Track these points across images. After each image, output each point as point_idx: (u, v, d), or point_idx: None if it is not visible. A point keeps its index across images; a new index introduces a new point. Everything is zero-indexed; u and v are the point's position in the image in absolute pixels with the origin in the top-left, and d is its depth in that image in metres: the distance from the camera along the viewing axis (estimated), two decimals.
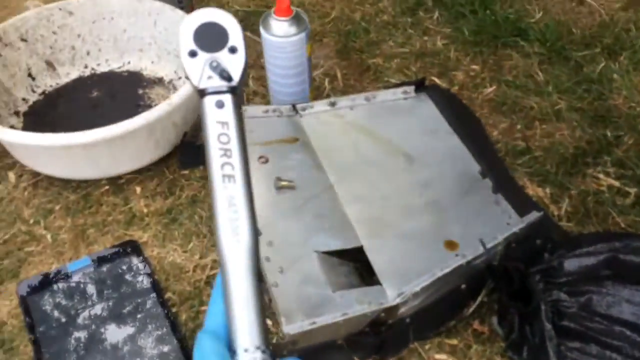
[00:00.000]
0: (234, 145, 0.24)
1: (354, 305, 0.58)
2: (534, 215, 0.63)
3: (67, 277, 0.67)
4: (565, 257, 0.57)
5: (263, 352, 0.21)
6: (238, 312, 0.21)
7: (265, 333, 0.22)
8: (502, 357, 0.61)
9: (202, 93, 0.25)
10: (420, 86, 0.78)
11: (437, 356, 0.62)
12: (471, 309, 0.64)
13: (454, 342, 0.63)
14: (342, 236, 0.63)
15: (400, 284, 0.59)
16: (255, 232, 0.24)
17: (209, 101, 0.25)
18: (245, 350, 0.21)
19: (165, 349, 0.61)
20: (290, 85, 0.79)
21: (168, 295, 0.67)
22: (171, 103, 0.71)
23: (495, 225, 0.62)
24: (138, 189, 0.78)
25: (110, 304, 0.65)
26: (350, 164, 0.70)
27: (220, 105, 0.25)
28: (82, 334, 0.62)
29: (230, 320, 0.22)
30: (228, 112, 0.25)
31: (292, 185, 0.67)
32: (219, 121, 0.24)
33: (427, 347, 0.63)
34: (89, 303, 0.65)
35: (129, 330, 0.62)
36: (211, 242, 0.72)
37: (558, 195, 0.74)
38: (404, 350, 0.62)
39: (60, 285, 0.67)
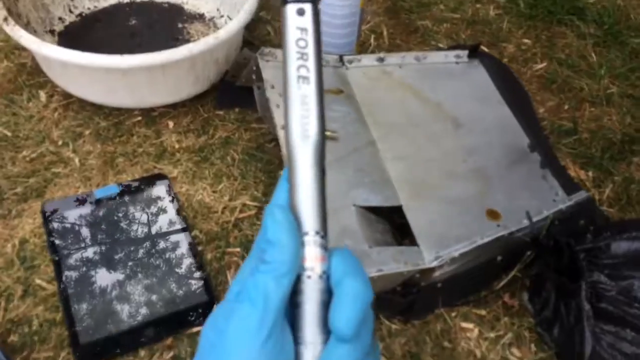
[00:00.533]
0: (311, 50, 0.25)
1: (390, 262, 0.56)
2: (581, 195, 0.61)
3: (95, 202, 0.66)
4: (613, 239, 0.56)
5: (322, 237, 0.22)
6: (302, 199, 0.23)
7: (325, 221, 0.24)
8: (530, 332, 0.60)
9: (284, 1, 0.26)
10: (473, 51, 0.75)
11: (463, 324, 0.61)
12: (503, 282, 0.63)
13: (482, 312, 0.62)
14: (382, 193, 0.62)
15: (437, 248, 0.58)
16: (323, 131, 0.25)
17: (291, 8, 0.26)
18: (306, 233, 0.22)
19: (191, 285, 0.59)
20: (339, 35, 0.76)
21: (195, 233, 0.65)
22: (217, 37, 0.69)
23: (541, 200, 0.61)
24: (171, 124, 0.76)
25: (137, 234, 0.63)
26: (394, 122, 0.68)
27: (300, 12, 0.26)
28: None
29: (295, 207, 0.24)
30: (308, 20, 0.25)
31: (335, 137, 0.65)
32: (298, 27, 0.25)
33: (453, 314, 0.62)
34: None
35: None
36: (242, 186, 0.70)
37: (601, 180, 0.72)
38: (430, 315, 0.61)
39: (87, 208, 0.65)
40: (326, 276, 0.22)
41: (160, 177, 0.69)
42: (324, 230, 0.23)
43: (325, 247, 0.23)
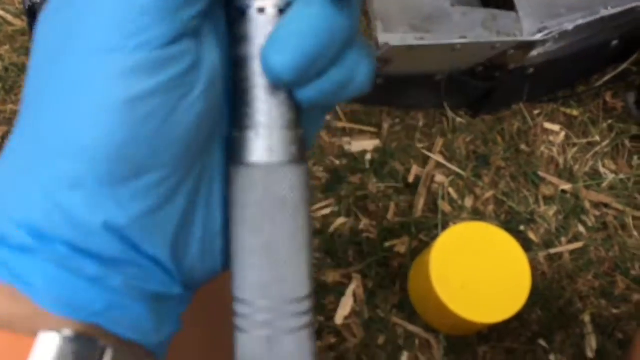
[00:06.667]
0: None
1: (478, 29, 0.41)
2: None
3: None
4: None
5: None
6: None
7: None
8: (633, 141, 0.47)
9: None
10: None
11: (547, 125, 0.48)
12: (607, 77, 0.49)
13: (574, 113, 0.48)
14: None
15: (542, 17, 0.42)
16: None
17: None
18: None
19: None
20: None
21: None
22: None
23: None
24: None
25: None
26: None
27: None
28: None
29: None
30: None
31: None
32: None
33: (536, 112, 0.49)
34: None
35: None
36: None
37: None
38: (506, 111, 0.48)
39: None
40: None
41: None
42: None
43: None
